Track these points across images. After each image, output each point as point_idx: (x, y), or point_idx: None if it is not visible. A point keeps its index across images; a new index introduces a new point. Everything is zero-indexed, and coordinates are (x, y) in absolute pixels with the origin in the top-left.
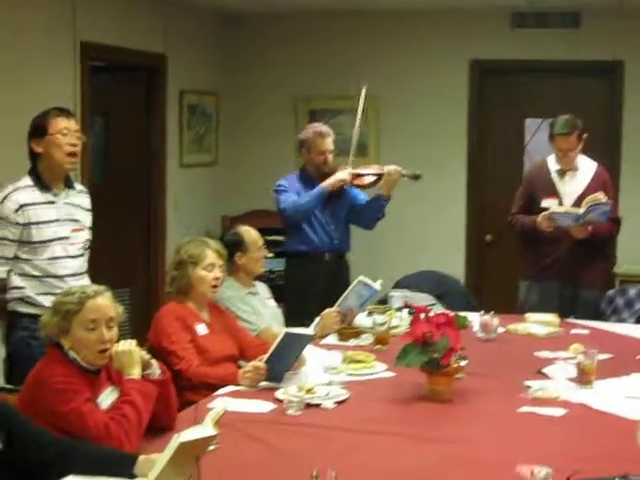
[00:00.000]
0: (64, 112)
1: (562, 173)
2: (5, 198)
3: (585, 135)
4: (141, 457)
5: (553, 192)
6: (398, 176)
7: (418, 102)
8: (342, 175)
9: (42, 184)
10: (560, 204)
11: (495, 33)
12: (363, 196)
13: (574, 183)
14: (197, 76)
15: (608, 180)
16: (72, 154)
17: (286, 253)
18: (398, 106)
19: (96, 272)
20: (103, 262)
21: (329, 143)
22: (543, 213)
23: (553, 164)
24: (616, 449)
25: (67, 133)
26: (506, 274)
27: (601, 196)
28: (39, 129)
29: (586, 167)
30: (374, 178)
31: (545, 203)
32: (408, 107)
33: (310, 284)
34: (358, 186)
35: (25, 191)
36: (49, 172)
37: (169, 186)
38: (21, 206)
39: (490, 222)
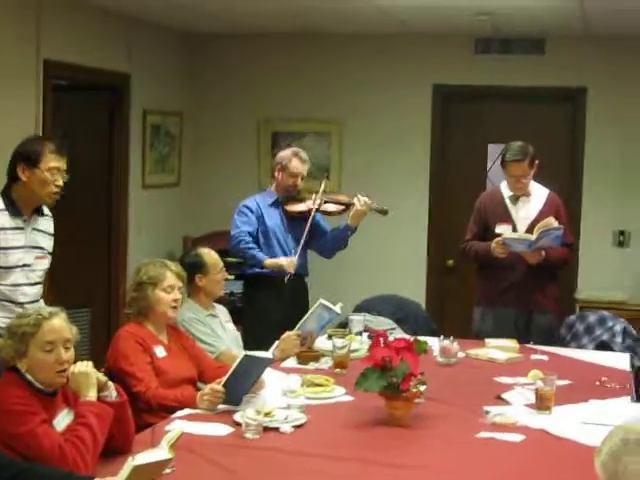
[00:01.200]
0: (59, 150)
1: (515, 199)
2: None
3: (537, 162)
4: None
5: (506, 218)
6: (368, 209)
7: (381, 125)
8: (284, 263)
9: (14, 209)
10: (514, 230)
11: (459, 58)
12: (324, 223)
13: (527, 209)
14: (161, 96)
15: (561, 205)
16: (55, 194)
17: (245, 276)
18: (361, 129)
19: (57, 292)
20: (64, 282)
21: (304, 169)
22: (496, 239)
23: (506, 190)
24: (574, 476)
25: (56, 173)
26: (467, 299)
27: (552, 221)
28: (31, 159)
29: (539, 193)
30: (341, 208)
31: (499, 229)
32: (371, 130)
33: (270, 307)
34: (323, 213)
35: None
36: (25, 200)
37: (131, 207)
38: None
39: (451, 247)
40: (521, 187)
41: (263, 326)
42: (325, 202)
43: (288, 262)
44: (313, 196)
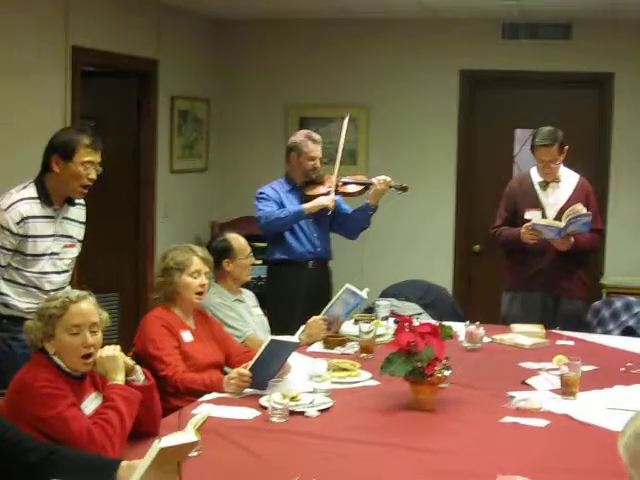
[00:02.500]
0: (94, 143)
1: (545, 185)
2: (10, 207)
3: (566, 147)
4: (124, 463)
5: (536, 204)
6: (386, 186)
7: (408, 111)
8: (325, 201)
9: (46, 198)
10: (543, 216)
11: (486, 43)
12: (346, 205)
13: (556, 195)
14: (188, 82)
15: (591, 192)
16: (87, 187)
17: (269, 261)
18: (388, 115)
19: (85, 276)
20: (92, 267)
21: (319, 150)
22: (526, 224)
23: (536, 176)
24: (598, 461)
25: (89, 167)
26: (493, 284)
27: (580, 207)
28: (65, 151)
29: (569, 179)
30: (360, 188)
31: (528, 215)
32: (398, 116)
33: (293, 292)
34: (344, 194)
35: (29, 203)
36: (56, 190)
37: (159, 192)
38: (23, 219)
39: (478, 232)
40: (550, 172)
41: (287, 311)
42: (344, 183)
43: (328, 200)
44: (332, 178)
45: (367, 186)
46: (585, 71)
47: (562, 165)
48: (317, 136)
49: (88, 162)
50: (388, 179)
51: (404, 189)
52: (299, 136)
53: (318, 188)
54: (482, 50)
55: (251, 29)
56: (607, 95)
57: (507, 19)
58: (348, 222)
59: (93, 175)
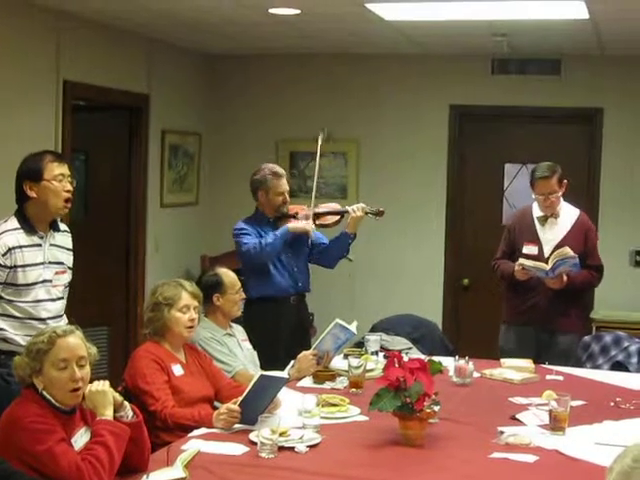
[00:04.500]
0: (58, 157)
1: (544, 220)
2: None
3: (565, 181)
4: None
5: (534, 238)
6: (363, 213)
7: (398, 144)
8: (307, 226)
9: (29, 227)
10: (540, 250)
11: (475, 78)
12: (321, 235)
13: (554, 230)
14: (179, 116)
15: (590, 228)
16: (68, 200)
17: (250, 299)
18: (378, 148)
19: (75, 310)
20: (82, 300)
21: (285, 183)
22: (517, 263)
23: (536, 210)
24: None
25: (62, 179)
26: (483, 318)
27: (567, 250)
28: (34, 173)
29: (568, 215)
30: (336, 218)
31: (526, 249)
32: (388, 149)
33: (277, 328)
34: (322, 226)
35: (13, 234)
36: (38, 216)
37: (149, 226)
38: (9, 249)
39: (467, 266)
40: (550, 206)
41: (272, 348)
42: (319, 214)
43: (309, 224)
44: (305, 208)
45: (342, 215)
46: (574, 106)
47: (562, 200)
48: (280, 169)
49: (59, 175)
50: (363, 206)
51: (380, 214)
52: (263, 173)
53: (291, 221)
54: (472, 85)
55: (242, 64)
56: (596, 130)
57: (497, 54)
58: (327, 252)
59: (69, 186)
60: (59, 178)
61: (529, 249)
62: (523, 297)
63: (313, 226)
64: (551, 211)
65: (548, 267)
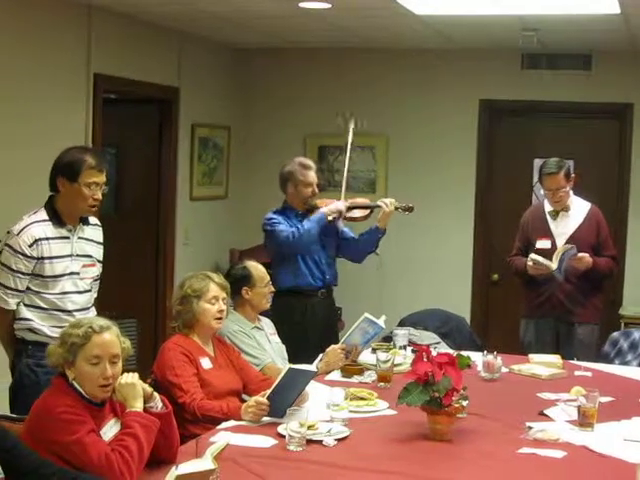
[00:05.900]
0: (99, 164)
1: (555, 214)
2: (21, 231)
3: (573, 175)
4: None
5: (546, 233)
6: (393, 208)
7: (427, 140)
8: (340, 205)
9: (58, 220)
10: (553, 244)
11: (505, 73)
12: (348, 229)
13: (565, 224)
14: (209, 110)
15: (602, 219)
16: (94, 206)
17: (279, 291)
18: (407, 144)
19: (104, 302)
20: (111, 293)
21: (314, 175)
22: (529, 257)
23: (548, 205)
24: None
25: (95, 188)
26: (511, 314)
27: (566, 246)
28: (70, 173)
29: (579, 208)
30: (366, 212)
31: (539, 244)
32: (417, 145)
33: (307, 322)
34: (350, 219)
35: (40, 225)
36: (67, 210)
37: (179, 219)
38: (36, 241)
39: (497, 261)
40: (559, 201)
41: (300, 341)
42: (350, 208)
43: (343, 204)
44: (334, 201)
45: (372, 209)
46: (604, 101)
47: (573, 194)
48: (310, 162)
49: (93, 183)
50: (394, 201)
51: (410, 209)
52: (292, 165)
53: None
54: (502, 80)
55: (271, 58)
56: (626, 125)
57: (527, 49)
58: (356, 246)
59: (98, 195)
60: (92, 186)
61: (542, 243)
62: (539, 290)
63: (346, 204)
64: (560, 206)
65: (554, 267)
